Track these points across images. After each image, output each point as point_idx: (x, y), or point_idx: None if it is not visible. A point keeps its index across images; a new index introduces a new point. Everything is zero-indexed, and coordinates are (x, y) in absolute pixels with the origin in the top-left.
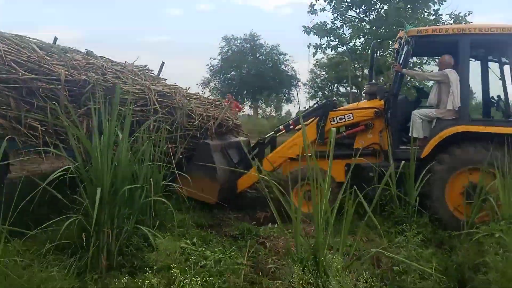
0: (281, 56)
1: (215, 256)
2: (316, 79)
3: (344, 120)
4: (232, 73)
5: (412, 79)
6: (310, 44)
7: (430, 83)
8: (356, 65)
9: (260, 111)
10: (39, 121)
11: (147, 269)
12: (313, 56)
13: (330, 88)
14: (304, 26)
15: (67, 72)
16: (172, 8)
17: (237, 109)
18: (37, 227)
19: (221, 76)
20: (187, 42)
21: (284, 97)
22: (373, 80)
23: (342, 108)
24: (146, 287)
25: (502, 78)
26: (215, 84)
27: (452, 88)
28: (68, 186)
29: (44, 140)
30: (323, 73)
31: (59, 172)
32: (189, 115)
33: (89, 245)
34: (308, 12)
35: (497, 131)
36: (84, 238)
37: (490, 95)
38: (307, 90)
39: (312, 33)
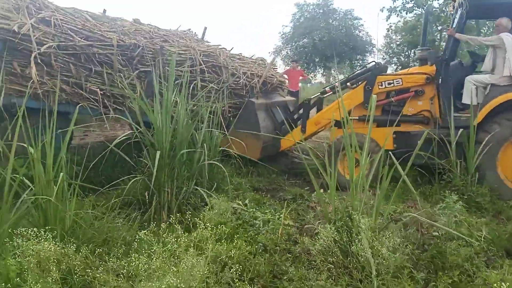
0: (355, 21)
1: (264, 217)
2: (391, 44)
3: (392, 85)
4: (304, 40)
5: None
6: (383, 7)
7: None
8: (435, 27)
9: (331, 79)
10: (97, 86)
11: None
12: (387, 20)
13: (407, 53)
14: None
15: (118, 38)
16: None
17: (301, 78)
18: (110, 186)
19: (293, 43)
20: (260, 9)
21: (358, 64)
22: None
23: (390, 73)
24: (198, 240)
25: None
26: (287, 52)
27: (508, 53)
28: (134, 150)
29: (103, 103)
30: (399, 37)
31: (124, 136)
32: (234, 73)
33: (151, 202)
34: None
35: None
36: (147, 196)
37: None
38: (382, 56)
39: None
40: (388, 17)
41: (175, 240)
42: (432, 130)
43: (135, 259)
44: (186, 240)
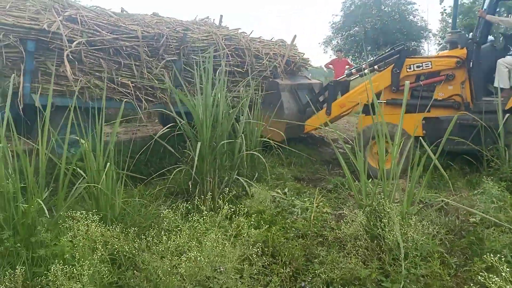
0: (409, 6)
1: (303, 204)
2: (447, 29)
3: (421, 68)
4: (355, 29)
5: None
6: None
7: None
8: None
9: None
10: (128, 78)
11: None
12: (440, 3)
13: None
14: None
15: (142, 29)
16: None
17: (347, 67)
18: (157, 176)
19: (344, 33)
20: (251, 10)
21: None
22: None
23: (420, 56)
24: (236, 228)
25: None
26: (337, 41)
27: None
28: (178, 141)
29: (136, 96)
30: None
31: (166, 128)
32: (257, 55)
33: (194, 191)
34: None
35: None
36: (190, 185)
37: None
38: (438, 41)
39: None
40: (442, 0)
41: (201, 219)
42: (463, 115)
43: (166, 237)
44: (210, 220)
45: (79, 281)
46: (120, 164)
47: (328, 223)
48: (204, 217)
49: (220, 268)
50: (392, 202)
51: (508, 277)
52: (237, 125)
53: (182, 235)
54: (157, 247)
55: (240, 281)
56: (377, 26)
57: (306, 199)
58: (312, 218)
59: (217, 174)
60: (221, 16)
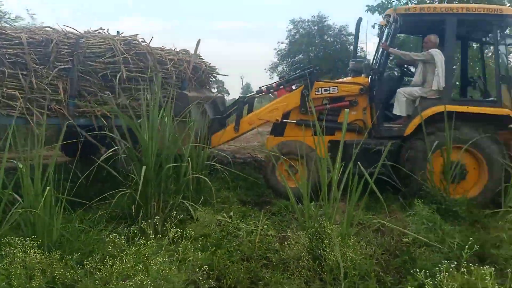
0: (350, 37)
1: (248, 228)
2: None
3: (328, 92)
4: (300, 56)
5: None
6: (375, 23)
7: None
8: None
9: None
10: (15, 89)
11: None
12: (378, 36)
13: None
14: (367, 6)
15: (27, 35)
16: None
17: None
18: (98, 200)
19: (289, 60)
20: (257, 26)
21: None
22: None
23: (327, 80)
24: (182, 251)
25: (482, 58)
26: (283, 68)
27: (437, 68)
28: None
29: (27, 107)
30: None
31: (110, 151)
32: (161, 60)
33: (138, 216)
34: None
35: (480, 111)
36: (134, 210)
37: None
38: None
39: (376, 12)
40: (379, 33)
41: (147, 243)
42: (367, 140)
43: (110, 262)
44: (156, 244)
45: None
46: (60, 188)
47: (273, 245)
48: (151, 241)
49: None
50: (333, 224)
51: None
52: (183, 148)
53: (128, 259)
54: (101, 273)
55: None
56: (320, 54)
57: (251, 222)
58: (256, 241)
59: (162, 198)
60: (118, 32)
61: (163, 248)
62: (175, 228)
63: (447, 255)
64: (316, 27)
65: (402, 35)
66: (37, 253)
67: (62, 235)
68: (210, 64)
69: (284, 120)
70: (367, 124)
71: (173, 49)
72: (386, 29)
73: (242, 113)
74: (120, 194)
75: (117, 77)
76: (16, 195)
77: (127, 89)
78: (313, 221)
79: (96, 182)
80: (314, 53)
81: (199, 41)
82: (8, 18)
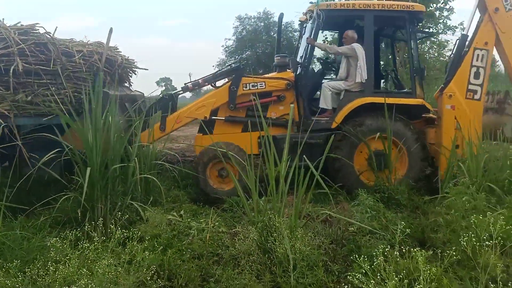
0: (296, 33)
1: (199, 226)
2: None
3: (256, 87)
4: (248, 52)
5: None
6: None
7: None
8: None
9: None
10: None
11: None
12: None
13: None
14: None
15: None
16: None
17: None
18: (40, 206)
19: (237, 56)
20: (204, 24)
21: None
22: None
23: (254, 75)
24: (129, 253)
25: (393, 52)
26: (230, 65)
27: (359, 62)
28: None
29: None
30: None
31: (51, 154)
32: (67, 52)
33: (84, 219)
34: None
35: (401, 102)
36: (80, 213)
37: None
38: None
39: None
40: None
41: (91, 246)
42: (296, 134)
43: (52, 267)
44: (102, 247)
45: None
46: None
47: (224, 242)
48: (95, 244)
49: None
50: (282, 217)
51: (378, 280)
52: (130, 148)
53: (71, 264)
54: (44, 280)
55: None
56: (268, 50)
57: (202, 220)
58: (207, 238)
59: (109, 199)
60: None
61: (109, 250)
62: (125, 229)
63: (390, 241)
64: (262, 24)
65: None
66: None
67: (3, 243)
68: (128, 57)
69: (213, 117)
70: (294, 118)
71: (85, 41)
72: (309, 24)
73: (167, 111)
74: (64, 198)
75: (11, 70)
76: None
77: (28, 84)
78: (262, 215)
79: (38, 186)
80: (261, 50)
81: (111, 30)
82: None
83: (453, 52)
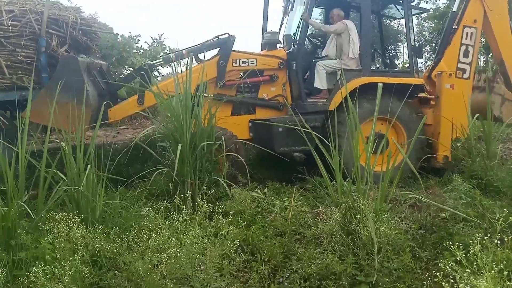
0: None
1: (282, 204)
2: (423, 32)
3: (247, 64)
4: None
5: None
6: None
7: None
8: None
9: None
10: None
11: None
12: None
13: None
14: None
15: None
16: None
17: None
18: (138, 178)
19: None
20: None
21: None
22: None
23: (244, 51)
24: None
25: (380, 30)
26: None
27: (351, 36)
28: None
29: None
30: (432, 25)
31: (145, 131)
32: None
33: (175, 193)
34: None
35: (403, 82)
36: (171, 187)
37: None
38: (436, 41)
39: None
40: (418, 4)
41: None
42: (291, 117)
43: (146, 235)
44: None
45: (60, 282)
46: (101, 167)
47: (306, 221)
48: (184, 216)
49: (200, 265)
50: (366, 199)
51: (474, 269)
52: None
53: (163, 233)
54: (138, 246)
55: (220, 279)
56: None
57: (285, 199)
58: (290, 216)
59: (198, 175)
60: None
61: (196, 223)
62: (211, 204)
63: (487, 230)
64: None
65: None
66: (80, 227)
67: (105, 211)
68: (86, 16)
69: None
70: (287, 100)
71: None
72: (298, 0)
73: (146, 83)
74: (158, 172)
75: None
76: (60, 174)
77: None
78: (346, 197)
79: (136, 161)
80: None
81: None
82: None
83: (443, 30)
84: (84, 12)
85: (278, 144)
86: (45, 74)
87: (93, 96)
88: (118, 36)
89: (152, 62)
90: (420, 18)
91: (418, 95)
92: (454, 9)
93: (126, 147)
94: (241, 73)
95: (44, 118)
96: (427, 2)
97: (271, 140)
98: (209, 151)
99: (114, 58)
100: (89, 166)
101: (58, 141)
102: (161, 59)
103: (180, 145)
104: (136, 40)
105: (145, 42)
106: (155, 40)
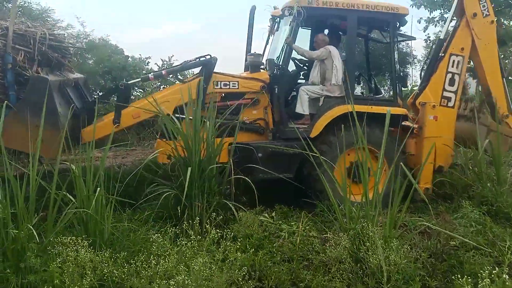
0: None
1: (290, 229)
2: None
3: (228, 87)
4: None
5: None
6: (421, 18)
7: None
8: None
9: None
10: None
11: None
12: (424, 31)
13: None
14: (412, 0)
15: None
16: None
17: None
18: (146, 201)
19: None
20: None
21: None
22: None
23: (225, 73)
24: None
25: (367, 54)
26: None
27: (335, 62)
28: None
29: None
30: None
31: (154, 154)
32: None
33: (183, 216)
34: None
35: (383, 111)
36: (179, 210)
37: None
38: (422, 67)
39: (422, 6)
40: (426, 28)
41: (189, 244)
42: (271, 142)
43: (154, 261)
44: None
45: None
46: (109, 189)
47: (314, 246)
48: (192, 242)
49: None
50: (375, 226)
51: None
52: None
53: (171, 259)
54: (146, 272)
55: None
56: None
57: (293, 223)
58: (298, 242)
59: (206, 198)
60: None
61: (204, 249)
62: (219, 228)
63: (497, 259)
64: None
65: None
66: (88, 252)
67: (113, 234)
68: (54, 31)
69: (177, 115)
70: (269, 123)
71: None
72: (285, 21)
73: (123, 102)
74: (166, 194)
75: None
76: (70, 196)
77: None
78: (354, 222)
79: (144, 182)
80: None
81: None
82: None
83: (429, 58)
84: (53, 28)
85: (257, 170)
86: (12, 92)
87: (64, 117)
88: (129, 58)
89: (130, 82)
90: (428, 41)
91: (402, 123)
92: (442, 37)
93: (135, 168)
94: (222, 95)
95: (13, 142)
96: (435, 26)
97: (250, 165)
98: (216, 174)
99: (124, 79)
100: (98, 188)
101: (68, 163)
102: (139, 79)
103: (189, 168)
104: (146, 62)
105: (155, 63)
106: (165, 62)
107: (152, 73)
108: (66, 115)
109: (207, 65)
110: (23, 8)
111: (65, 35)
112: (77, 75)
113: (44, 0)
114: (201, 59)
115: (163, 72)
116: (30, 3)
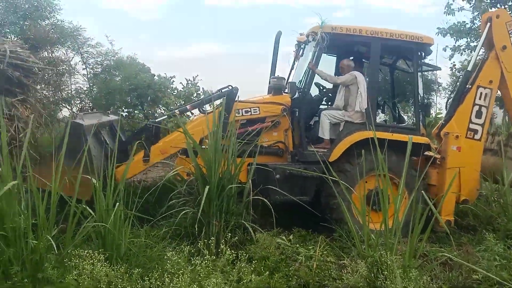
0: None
1: (307, 253)
2: (458, 83)
3: (250, 113)
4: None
5: None
6: (446, 46)
7: None
8: None
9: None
10: None
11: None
12: (449, 59)
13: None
14: (438, 28)
15: None
16: None
17: None
18: (164, 218)
19: None
20: None
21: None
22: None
23: (247, 100)
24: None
25: (392, 83)
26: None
27: (360, 89)
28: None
29: None
30: None
31: (174, 171)
32: None
33: (200, 234)
34: (445, 13)
35: (405, 139)
36: (196, 228)
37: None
38: (448, 95)
39: (448, 34)
40: (451, 56)
41: (203, 263)
42: (289, 164)
43: (168, 279)
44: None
45: None
46: (129, 204)
47: (331, 272)
48: (206, 262)
49: None
50: (394, 254)
51: None
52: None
53: (184, 278)
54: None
55: None
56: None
57: (310, 247)
58: (315, 266)
59: (223, 217)
60: None
61: (218, 269)
62: (235, 248)
63: None
64: None
65: None
66: (104, 266)
67: (129, 249)
68: (18, 48)
69: (203, 147)
70: (288, 146)
71: None
72: (310, 47)
73: (152, 141)
74: (183, 212)
75: None
76: (89, 209)
77: None
78: (373, 250)
79: (163, 199)
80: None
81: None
82: (89, 44)
83: (455, 89)
84: (16, 46)
85: (274, 191)
86: None
87: (98, 160)
88: (155, 76)
89: (157, 120)
90: (454, 69)
91: (424, 153)
92: (469, 68)
93: (155, 185)
94: (244, 121)
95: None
96: (461, 54)
97: (267, 186)
98: (237, 193)
99: (149, 97)
100: (117, 203)
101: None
102: (166, 116)
103: (207, 186)
104: (171, 80)
105: (180, 83)
106: (189, 82)
107: (178, 109)
108: (100, 158)
109: (228, 95)
110: (55, 26)
111: (30, 54)
112: (111, 117)
113: (76, 19)
114: (222, 90)
115: (188, 107)
116: (63, 21)
